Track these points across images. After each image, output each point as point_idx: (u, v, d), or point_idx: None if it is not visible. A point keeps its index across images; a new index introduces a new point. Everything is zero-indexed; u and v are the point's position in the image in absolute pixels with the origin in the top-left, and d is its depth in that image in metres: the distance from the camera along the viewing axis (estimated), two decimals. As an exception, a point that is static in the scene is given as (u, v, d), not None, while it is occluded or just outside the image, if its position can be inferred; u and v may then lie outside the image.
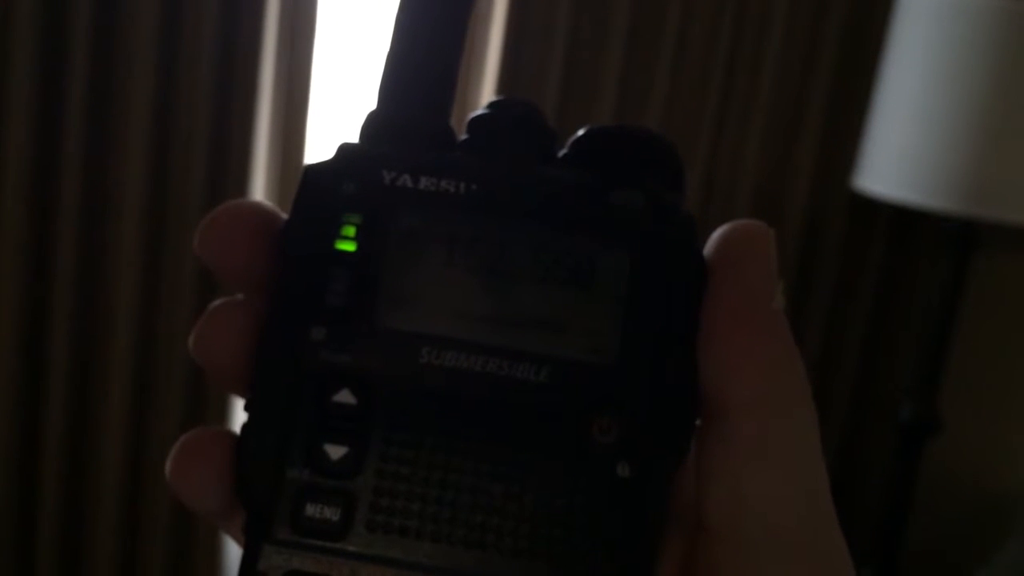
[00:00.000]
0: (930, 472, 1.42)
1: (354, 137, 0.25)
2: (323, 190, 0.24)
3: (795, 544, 0.22)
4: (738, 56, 1.39)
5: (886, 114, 1.27)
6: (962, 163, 1.20)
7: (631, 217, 0.24)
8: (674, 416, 0.23)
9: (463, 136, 0.25)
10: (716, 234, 0.24)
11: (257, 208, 0.24)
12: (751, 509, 0.22)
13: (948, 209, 1.22)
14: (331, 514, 0.23)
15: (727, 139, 1.41)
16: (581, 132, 0.25)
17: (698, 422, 0.24)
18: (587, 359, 0.23)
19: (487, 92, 1.34)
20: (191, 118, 1.20)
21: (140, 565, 1.32)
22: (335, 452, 0.23)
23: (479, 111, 0.25)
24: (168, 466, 0.24)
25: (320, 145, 1.34)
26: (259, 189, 1.28)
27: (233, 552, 1.29)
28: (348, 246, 0.24)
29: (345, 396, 0.23)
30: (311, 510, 0.23)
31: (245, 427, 0.23)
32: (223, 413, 1.29)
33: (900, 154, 1.24)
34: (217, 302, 0.24)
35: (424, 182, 0.24)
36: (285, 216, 0.24)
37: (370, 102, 0.25)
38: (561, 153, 0.25)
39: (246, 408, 0.24)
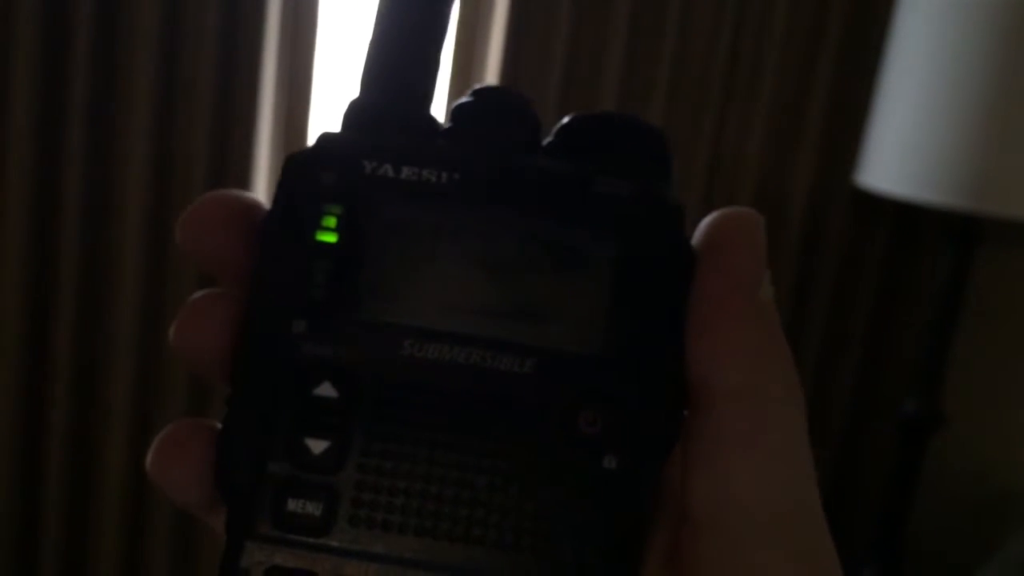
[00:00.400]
0: (933, 468, 1.41)
1: (336, 126, 0.25)
2: (304, 180, 0.24)
3: (780, 535, 0.22)
4: (740, 51, 1.38)
5: (888, 109, 1.27)
6: (965, 158, 1.20)
7: (617, 206, 0.23)
8: (660, 407, 0.23)
9: (447, 124, 0.25)
10: (705, 221, 0.23)
11: (239, 198, 0.24)
12: (736, 500, 0.22)
13: (951, 204, 1.22)
14: (313, 509, 0.23)
15: (729, 135, 1.40)
16: (566, 119, 0.25)
17: (685, 412, 0.23)
18: (572, 350, 0.23)
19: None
20: (193, 116, 1.20)
21: (144, 567, 1.32)
22: (317, 446, 0.23)
23: (462, 99, 0.24)
24: (148, 459, 0.23)
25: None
26: (261, 186, 1.28)
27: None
28: (329, 237, 0.23)
29: (327, 389, 0.23)
30: (293, 505, 0.23)
31: (225, 421, 0.23)
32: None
33: (902, 149, 1.24)
34: (198, 294, 0.24)
35: (406, 172, 0.23)
36: (268, 207, 0.24)
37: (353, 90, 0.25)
38: (546, 141, 0.25)
39: (227, 402, 0.23)
